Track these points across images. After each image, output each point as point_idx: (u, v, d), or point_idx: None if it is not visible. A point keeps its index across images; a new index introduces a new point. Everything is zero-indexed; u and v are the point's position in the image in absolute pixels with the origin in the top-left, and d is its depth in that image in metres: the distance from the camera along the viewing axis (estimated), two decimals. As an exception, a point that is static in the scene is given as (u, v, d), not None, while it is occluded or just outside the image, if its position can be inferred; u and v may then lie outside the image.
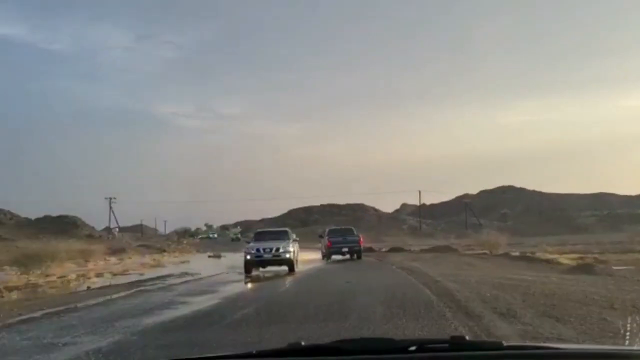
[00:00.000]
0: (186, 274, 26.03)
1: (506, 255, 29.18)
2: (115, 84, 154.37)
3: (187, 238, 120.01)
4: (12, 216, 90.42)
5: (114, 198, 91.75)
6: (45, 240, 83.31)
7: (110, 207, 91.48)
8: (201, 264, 35.17)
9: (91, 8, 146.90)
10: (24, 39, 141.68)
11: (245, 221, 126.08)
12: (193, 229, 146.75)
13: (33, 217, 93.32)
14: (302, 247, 28.71)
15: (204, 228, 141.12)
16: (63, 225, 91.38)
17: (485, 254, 31.49)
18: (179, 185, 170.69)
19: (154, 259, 44.21)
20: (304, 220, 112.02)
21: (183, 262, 40.36)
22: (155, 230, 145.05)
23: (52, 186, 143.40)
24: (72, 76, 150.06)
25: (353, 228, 33.50)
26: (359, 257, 30.55)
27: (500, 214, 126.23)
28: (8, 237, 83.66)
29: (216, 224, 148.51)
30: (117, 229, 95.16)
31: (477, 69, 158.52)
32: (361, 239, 31.69)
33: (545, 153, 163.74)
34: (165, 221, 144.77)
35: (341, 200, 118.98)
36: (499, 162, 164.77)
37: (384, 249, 49.95)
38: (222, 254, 50.26)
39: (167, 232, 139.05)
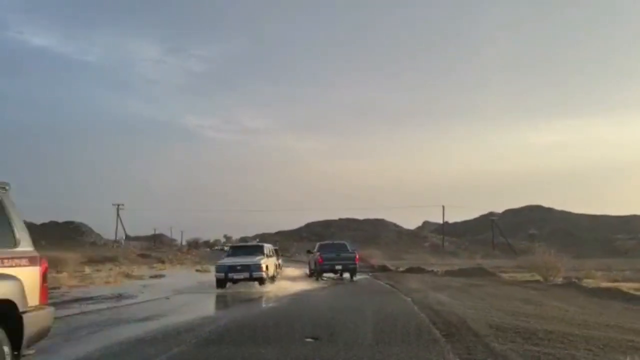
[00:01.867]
0: (119, 296, 18.13)
1: (571, 284, 20.08)
2: (144, 95, 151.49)
3: (199, 249, 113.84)
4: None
5: (122, 205, 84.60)
6: (47, 247, 76.38)
7: (118, 214, 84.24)
8: (171, 280, 28.31)
9: (123, 21, 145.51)
10: (58, 49, 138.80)
11: (263, 234, 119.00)
12: (212, 240, 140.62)
13: (39, 222, 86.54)
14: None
15: (223, 240, 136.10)
16: (68, 232, 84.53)
17: (537, 281, 22.45)
18: (200, 196, 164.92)
19: (129, 272, 36.10)
20: (320, 234, 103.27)
21: (156, 277, 32.32)
22: (173, 240, 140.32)
23: (68, 193, 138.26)
24: (103, 86, 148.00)
25: (347, 243, 29.23)
26: (352, 276, 26.61)
27: (528, 234, 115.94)
28: (8, 242, 76.72)
29: (235, 235, 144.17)
30: (124, 237, 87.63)
31: (506, 88, 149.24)
32: (357, 256, 27.20)
33: (574, 173, 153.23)
34: (182, 231, 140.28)
35: (360, 215, 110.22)
36: (526, 181, 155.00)
37: (401, 269, 41.09)
38: None
39: (184, 242, 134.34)
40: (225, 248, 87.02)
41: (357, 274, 27.29)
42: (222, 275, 21.24)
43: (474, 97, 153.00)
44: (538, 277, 23.62)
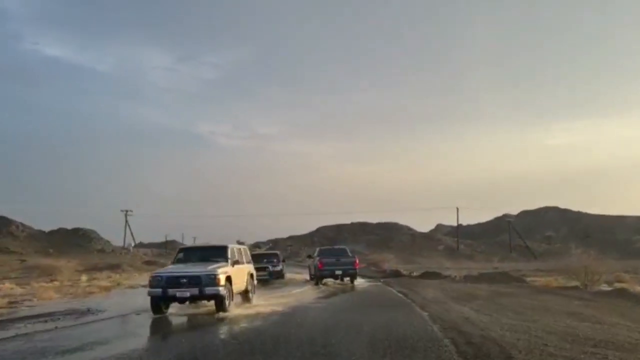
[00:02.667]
0: (85, 311, 15.41)
1: (618, 291, 16.63)
2: (156, 104, 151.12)
3: None
4: (25, 228, 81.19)
5: (130, 211, 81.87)
6: (54, 255, 73.97)
7: (126, 221, 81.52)
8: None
9: (135, 31, 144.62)
10: (72, 59, 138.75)
11: (275, 239, 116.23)
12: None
13: (47, 229, 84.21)
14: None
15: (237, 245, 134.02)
16: (76, 239, 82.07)
17: (575, 288, 19.04)
18: (212, 202, 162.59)
19: (122, 280, 33.33)
20: (332, 239, 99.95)
21: (144, 286, 29.18)
22: (181, 244, 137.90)
23: (80, 200, 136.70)
24: (116, 95, 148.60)
25: (347, 248, 29.09)
26: (352, 280, 25.87)
27: (544, 236, 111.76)
28: (17, 250, 74.49)
29: (249, 241, 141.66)
30: (133, 244, 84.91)
31: (517, 89, 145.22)
32: (357, 261, 26.78)
33: (590, 174, 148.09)
34: (194, 237, 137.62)
35: (373, 219, 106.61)
36: (541, 182, 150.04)
37: (415, 273, 37.74)
38: None
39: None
40: None
41: (368, 280, 26.94)
42: (158, 291, 13.65)
43: (486, 100, 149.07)
44: (575, 283, 20.16)
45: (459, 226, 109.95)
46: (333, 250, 28.06)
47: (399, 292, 20.09)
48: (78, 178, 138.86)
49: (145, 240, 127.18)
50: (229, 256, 15.11)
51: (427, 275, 31.24)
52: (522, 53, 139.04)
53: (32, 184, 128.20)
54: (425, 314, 12.21)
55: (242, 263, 16.29)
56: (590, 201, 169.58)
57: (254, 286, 17.34)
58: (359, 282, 29.25)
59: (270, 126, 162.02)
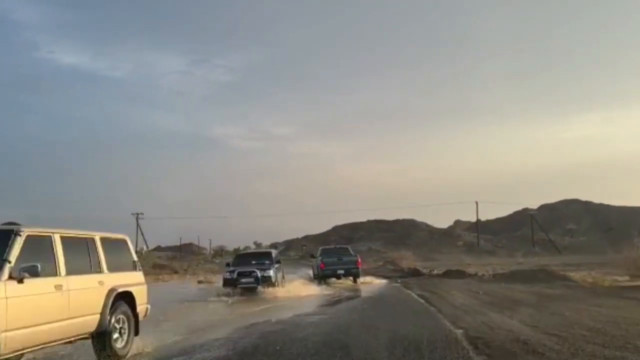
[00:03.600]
0: None
1: None
2: (171, 108, 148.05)
3: (224, 257, 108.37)
4: (35, 234, 78.41)
5: (141, 214, 78.72)
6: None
7: (138, 224, 78.37)
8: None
9: (148, 35, 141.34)
10: (87, 67, 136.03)
11: (292, 239, 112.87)
12: (242, 247, 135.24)
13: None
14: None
15: (254, 246, 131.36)
16: (87, 244, 79.20)
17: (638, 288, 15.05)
18: (228, 205, 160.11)
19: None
20: (348, 237, 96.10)
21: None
22: (202, 248, 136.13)
23: (93, 205, 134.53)
24: (131, 101, 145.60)
25: (349, 247, 28.66)
26: (355, 279, 25.21)
27: (566, 230, 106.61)
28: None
29: (266, 242, 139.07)
30: (145, 248, 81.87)
31: (534, 83, 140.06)
32: (359, 260, 25.67)
33: (611, 165, 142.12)
34: (210, 239, 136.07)
35: (390, 216, 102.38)
36: (560, 175, 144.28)
37: (435, 271, 33.83)
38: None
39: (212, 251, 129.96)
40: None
41: (384, 280, 25.29)
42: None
43: (501, 94, 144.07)
44: (635, 282, 16.14)
45: (478, 221, 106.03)
46: (335, 250, 27.44)
47: (419, 296, 16.26)
48: (91, 183, 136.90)
49: (163, 244, 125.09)
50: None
51: (450, 273, 27.29)
52: (534, 45, 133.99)
53: (45, 190, 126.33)
54: (459, 331, 8.41)
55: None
56: (611, 193, 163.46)
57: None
58: (374, 283, 25.61)
59: (284, 127, 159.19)
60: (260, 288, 19.31)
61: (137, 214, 78.05)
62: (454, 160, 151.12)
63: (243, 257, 22.92)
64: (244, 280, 19.44)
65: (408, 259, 57.03)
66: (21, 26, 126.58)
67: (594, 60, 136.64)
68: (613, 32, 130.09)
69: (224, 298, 18.32)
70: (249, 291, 19.46)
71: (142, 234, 79.78)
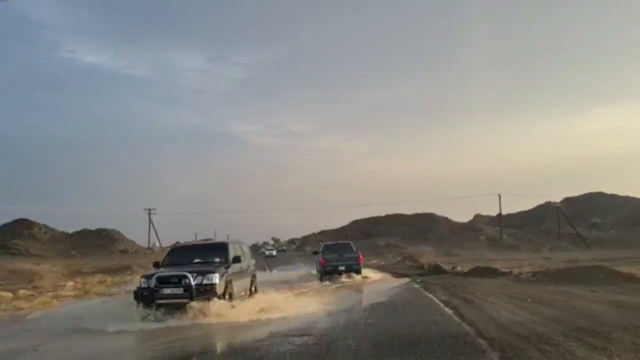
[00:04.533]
0: None
1: None
2: (190, 105, 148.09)
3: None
4: (48, 230, 75.46)
5: (154, 209, 75.03)
6: (77, 256, 68.03)
7: (150, 220, 74.73)
8: (116, 302, 16.63)
9: (166, 34, 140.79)
10: (107, 66, 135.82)
11: (308, 235, 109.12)
12: (261, 242, 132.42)
13: (71, 230, 78.43)
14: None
15: (272, 242, 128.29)
16: (99, 240, 76.02)
17: None
18: (246, 200, 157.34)
19: (93, 287, 25.99)
20: (366, 232, 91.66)
21: (110, 295, 21.72)
22: None
23: (109, 202, 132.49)
24: (151, 99, 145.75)
25: (351, 243, 27.36)
26: (357, 274, 23.83)
27: (590, 223, 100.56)
28: (37, 253, 68.70)
29: (283, 237, 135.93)
30: (157, 244, 78.28)
31: (553, 76, 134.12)
32: (361, 256, 24.76)
33: (633, 158, 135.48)
34: (227, 235, 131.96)
35: (408, 210, 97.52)
36: (583, 168, 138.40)
37: (459, 268, 29.30)
38: None
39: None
40: (267, 252, 74.88)
41: (402, 278, 23.32)
42: None
43: (520, 89, 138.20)
44: None
45: (499, 216, 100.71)
46: (337, 246, 26.43)
47: (445, 303, 11.86)
48: (109, 180, 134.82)
49: (182, 240, 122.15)
50: None
51: (479, 271, 22.65)
52: (556, 41, 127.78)
53: (65, 188, 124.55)
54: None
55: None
56: (637, 185, 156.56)
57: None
58: (388, 283, 21.32)
59: (302, 123, 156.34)
60: (195, 304, 11.19)
61: (150, 209, 74.48)
62: (474, 155, 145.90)
63: (181, 252, 14.46)
64: (166, 291, 11.57)
65: (428, 254, 52.46)
66: (42, 26, 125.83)
67: (616, 54, 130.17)
68: (628, 24, 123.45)
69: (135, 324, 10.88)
70: (177, 310, 11.29)
71: (155, 230, 76.26)
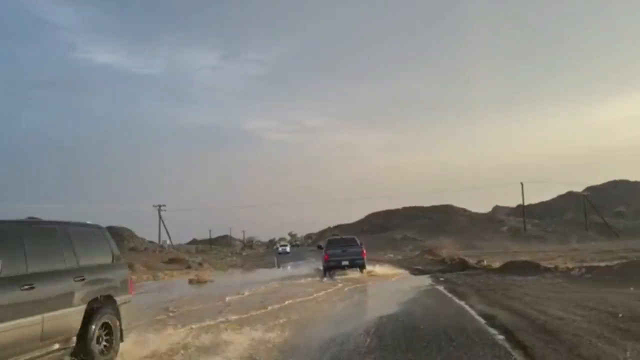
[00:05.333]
0: None
1: None
2: (204, 102, 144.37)
3: (254, 248, 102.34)
4: (56, 229, 72.04)
5: (164, 205, 71.36)
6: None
7: (160, 216, 71.07)
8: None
9: (179, 32, 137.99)
10: (122, 65, 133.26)
11: (323, 230, 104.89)
12: (277, 238, 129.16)
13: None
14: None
15: (288, 237, 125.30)
16: (109, 238, 72.51)
17: None
18: (263, 196, 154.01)
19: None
20: (382, 226, 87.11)
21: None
22: (237, 240, 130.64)
23: (123, 199, 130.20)
24: (166, 97, 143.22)
25: (356, 238, 25.60)
26: (361, 270, 22.73)
27: (614, 212, 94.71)
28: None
29: (300, 232, 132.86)
30: (168, 241, 74.65)
31: (573, 66, 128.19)
32: (364, 251, 23.47)
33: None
34: (243, 231, 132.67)
35: (426, 202, 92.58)
36: (605, 157, 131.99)
37: (485, 262, 24.98)
38: (231, 275, 31.31)
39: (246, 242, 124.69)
40: (281, 249, 69.98)
41: (422, 276, 20.72)
42: None
43: (539, 78, 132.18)
44: None
45: (519, 207, 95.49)
46: (341, 241, 25.66)
47: (488, 320, 7.59)
48: (122, 178, 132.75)
49: (199, 237, 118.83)
50: None
51: (516, 267, 18.14)
52: (576, 28, 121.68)
53: (77, 185, 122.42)
54: None
55: None
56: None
57: None
58: (405, 282, 17.10)
59: (317, 118, 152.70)
60: None
61: (159, 206, 70.85)
62: (492, 146, 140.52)
63: None
64: None
65: (448, 247, 48.13)
66: (58, 27, 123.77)
67: (635, 42, 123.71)
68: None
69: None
70: None
71: (165, 227, 72.54)
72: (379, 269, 24.54)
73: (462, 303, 10.25)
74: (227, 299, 13.14)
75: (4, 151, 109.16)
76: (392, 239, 69.74)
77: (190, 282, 25.57)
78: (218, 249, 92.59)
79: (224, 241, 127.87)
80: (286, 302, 11.75)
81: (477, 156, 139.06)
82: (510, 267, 18.27)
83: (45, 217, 5.96)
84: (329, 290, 14.49)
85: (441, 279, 17.22)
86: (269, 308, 10.79)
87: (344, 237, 28.29)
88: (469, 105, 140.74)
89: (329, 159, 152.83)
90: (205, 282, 24.84)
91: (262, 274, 28.71)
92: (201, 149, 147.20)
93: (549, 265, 17.60)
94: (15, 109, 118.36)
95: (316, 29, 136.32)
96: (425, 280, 17.42)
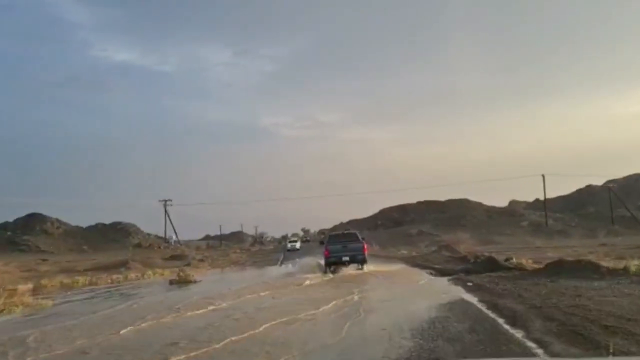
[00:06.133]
0: None
1: None
2: (218, 99, 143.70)
3: (264, 244, 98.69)
4: (60, 225, 68.75)
5: (170, 200, 67.60)
6: (89, 252, 61.27)
7: (166, 211, 67.32)
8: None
9: (193, 30, 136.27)
10: (138, 63, 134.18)
11: (337, 225, 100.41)
12: (290, 234, 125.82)
13: (85, 225, 71.69)
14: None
15: (302, 233, 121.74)
16: (114, 234, 69.07)
17: None
18: (276, 191, 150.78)
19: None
20: (397, 220, 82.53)
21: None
22: (249, 236, 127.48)
23: (133, 196, 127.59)
24: (181, 93, 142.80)
25: (357, 233, 24.41)
26: (362, 265, 21.87)
27: (637, 206, 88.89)
28: (47, 249, 62.25)
29: (314, 228, 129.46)
30: (174, 237, 70.98)
31: (584, 60, 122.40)
32: (365, 247, 22.44)
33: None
34: (256, 227, 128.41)
35: (441, 196, 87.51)
36: (624, 151, 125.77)
37: (514, 259, 20.48)
38: (225, 274, 27.61)
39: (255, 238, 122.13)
40: (289, 245, 64.03)
41: (440, 277, 16.76)
42: None
43: (554, 71, 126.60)
44: None
45: (537, 201, 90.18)
46: (342, 236, 24.27)
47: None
48: (137, 174, 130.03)
49: (212, 233, 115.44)
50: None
51: (565, 267, 13.62)
52: (593, 26, 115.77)
53: (88, 181, 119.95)
54: None
55: None
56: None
57: None
58: (420, 289, 12.75)
59: (332, 114, 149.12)
60: None
61: (165, 200, 67.08)
62: (508, 140, 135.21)
63: None
64: None
65: (466, 243, 43.56)
66: (76, 26, 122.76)
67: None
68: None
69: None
70: None
71: (171, 222, 68.77)
72: (386, 268, 20.48)
73: (526, 339, 5.89)
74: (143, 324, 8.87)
75: (18, 148, 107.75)
76: (407, 234, 65.23)
77: (171, 282, 21.56)
78: (229, 245, 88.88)
79: (237, 237, 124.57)
80: (259, 329, 7.53)
81: (492, 150, 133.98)
82: (557, 268, 13.76)
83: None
84: (324, 309, 10.01)
85: (469, 284, 12.82)
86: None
87: (345, 232, 26.52)
88: (485, 99, 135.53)
89: (342, 154, 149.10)
90: (188, 283, 20.84)
91: (259, 274, 24.72)
92: (215, 144, 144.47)
93: (612, 266, 13.04)
94: (30, 106, 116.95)
95: (328, 25, 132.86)
96: (447, 287, 13.04)
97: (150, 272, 29.24)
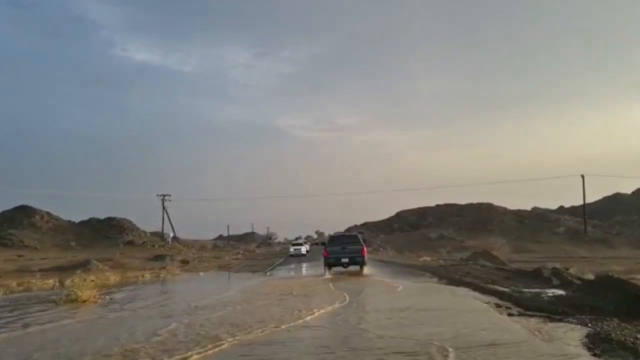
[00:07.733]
0: None
1: None
2: (237, 100, 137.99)
3: (272, 246, 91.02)
4: (51, 219, 61.37)
5: (168, 195, 59.97)
6: (77, 249, 54.21)
7: (164, 207, 59.76)
8: None
9: (214, 31, 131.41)
10: (158, 62, 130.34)
11: (350, 227, 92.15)
12: (304, 236, 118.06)
13: (78, 219, 64.38)
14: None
15: (316, 235, 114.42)
16: (107, 230, 61.55)
17: None
18: (290, 192, 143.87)
19: None
20: (414, 224, 73.90)
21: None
22: (259, 237, 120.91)
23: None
24: (200, 94, 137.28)
25: (358, 235, 23.69)
26: (361, 268, 21.00)
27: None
28: (31, 244, 54.91)
29: (328, 230, 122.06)
30: (171, 234, 63.28)
31: (608, 64, 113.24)
32: (364, 249, 21.55)
33: None
34: (267, 227, 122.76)
35: (462, 200, 78.27)
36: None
37: (590, 274, 11.87)
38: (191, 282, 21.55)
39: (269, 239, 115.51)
40: (291, 247, 51.03)
41: (543, 319, 7.66)
42: None
43: (574, 79, 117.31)
44: None
45: (561, 208, 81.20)
46: (342, 238, 23.50)
47: None
48: (151, 172, 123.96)
49: (225, 234, 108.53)
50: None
51: None
52: (619, 33, 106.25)
53: (95, 176, 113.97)
54: None
55: None
56: None
57: None
58: None
59: (349, 117, 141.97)
60: None
61: (163, 195, 59.47)
62: (530, 145, 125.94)
63: None
64: None
65: (500, 250, 35.16)
66: (98, 25, 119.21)
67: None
68: None
69: None
70: None
71: (169, 218, 61.09)
72: (406, 282, 12.45)
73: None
74: None
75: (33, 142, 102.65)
76: (427, 238, 56.70)
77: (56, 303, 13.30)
78: (235, 246, 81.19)
79: (249, 238, 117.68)
80: None
81: (515, 154, 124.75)
82: None
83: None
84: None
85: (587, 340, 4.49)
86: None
87: (346, 234, 26.48)
88: (508, 103, 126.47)
89: (360, 156, 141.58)
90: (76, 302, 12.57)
91: (218, 288, 16.56)
92: (232, 144, 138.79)
93: None
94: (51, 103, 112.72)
95: (348, 28, 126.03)
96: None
97: (93, 277, 21.26)
